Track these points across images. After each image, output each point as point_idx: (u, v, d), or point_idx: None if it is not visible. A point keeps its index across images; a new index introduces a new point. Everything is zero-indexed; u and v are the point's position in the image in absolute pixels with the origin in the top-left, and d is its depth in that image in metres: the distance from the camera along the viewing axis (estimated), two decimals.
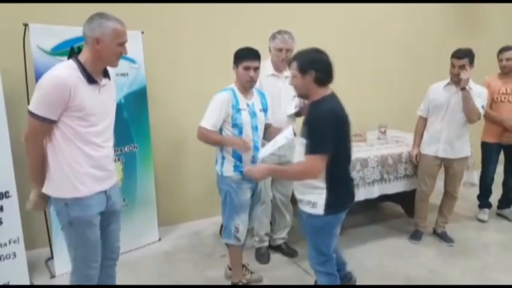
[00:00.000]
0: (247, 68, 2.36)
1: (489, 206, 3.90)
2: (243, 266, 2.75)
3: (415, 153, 3.35)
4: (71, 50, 2.71)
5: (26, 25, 2.53)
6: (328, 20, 4.22)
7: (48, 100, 1.70)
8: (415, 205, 3.43)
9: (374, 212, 3.93)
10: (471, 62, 3.00)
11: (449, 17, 5.01)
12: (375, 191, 3.35)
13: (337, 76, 4.18)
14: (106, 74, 1.92)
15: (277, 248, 3.20)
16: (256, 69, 2.39)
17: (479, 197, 3.95)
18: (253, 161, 2.47)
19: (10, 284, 2.58)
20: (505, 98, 3.64)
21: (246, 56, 2.36)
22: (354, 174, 3.22)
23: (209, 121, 2.36)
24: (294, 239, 3.31)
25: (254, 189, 2.58)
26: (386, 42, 4.49)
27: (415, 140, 3.40)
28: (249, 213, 2.59)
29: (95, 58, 1.80)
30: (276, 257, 3.13)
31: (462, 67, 2.98)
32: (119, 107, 2.98)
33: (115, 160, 3.08)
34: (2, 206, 2.51)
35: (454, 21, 5.06)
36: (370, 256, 3.15)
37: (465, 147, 3.22)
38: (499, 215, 3.92)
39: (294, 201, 3.14)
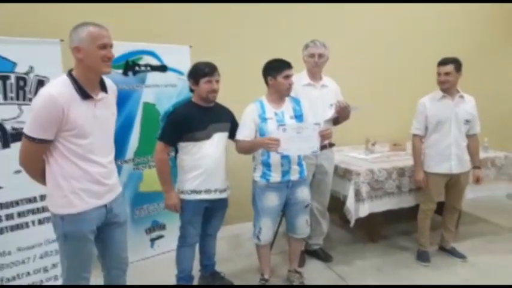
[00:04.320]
0: (287, 77, 2.51)
1: None
2: (297, 272, 2.89)
3: (422, 177, 3.12)
4: (126, 63, 2.99)
5: None
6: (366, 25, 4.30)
7: (42, 121, 1.66)
8: (420, 224, 3.25)
9: (412, 222, 3.91)
10: (458, 70, 2.96)
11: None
12: (411, 200, 3.38)
13: (378, 85, 4.21)
14: (103, 88, 1.86)
15: (313, 253, 3.29)
16: (292, 76, 2.55)
17: None
18: (284, 167, 2.55)
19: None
20: None
21: (285, 66, 2.51)
22: (390, 182, 3.28)
23: (241, 133, 2.55)
24: (329, 245, 3.40)
25: (289, 198, 2.63)
26: (436, 49, 4.45)
27: (417, 162, 3.15)
28: (290, 220, 2.72)
29: (83, 69, 1.75)
30: (311, 261, 3.22)
31: (447, 74, 2.94)
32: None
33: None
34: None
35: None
36: (405, 264, 3.17)
37: (469, 158, 3.12)
38: None
39: (330, 209, 3.26)
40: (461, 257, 3.24)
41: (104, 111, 1.86)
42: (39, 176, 1.84)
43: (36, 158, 1.77)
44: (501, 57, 5.05)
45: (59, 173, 1.77)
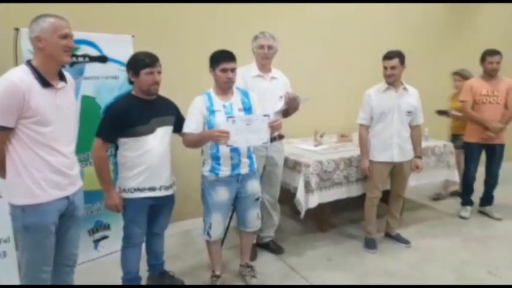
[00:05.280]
0: (224, 70, 2.42)
1: (471, 203, 4.02)
2: (249, 266, 2.85)
3: (367, 165, 3.22)
4: None
5: (17, 29, 2.57)
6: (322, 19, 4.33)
7: (2, 107, 1.67)
8: (366, 212, 3.34)
9: (360, 211, 4.04)
10: (402, 63, 3.08)
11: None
12: (358, 189, 3.47)
13: (326, 78, 4.25)
14: (62, 78, 1.90)
15: (265, 246, 3.28)
16: (234, 70, 2.46)
17: (461, 195, 4.08)
18: (233, 160, 2.49)
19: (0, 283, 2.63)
20: (486, 99, 3.75)
21: (222, 58, 2.42)
22: (338, 173, 3.34)
23: (188, 126, 2.45)
24: (281, 237, 3.41)
25: (239, 192, 2.59)
26: (379, 43, 4.58)
27: (363, 151, 3.25)
28: (241, 214, 2.67)
29: (44, 58, 1.78)
30: (263, 254, 3.21)
31: (393, 68, 3.05)
32: None
33: None
34: None
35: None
36: (354, 252, 3.26)
37: (411, 148, 3.25)
38: (481, 212, 4.03)
39: (281, 201, 3.26)
40: (406, 242, 3.38)
41: (64, 101, 1.89)
42: (0, 167, 1.81)
43: None
44: (439, 52, 5.30)
45: (19, 162, 1.76)
